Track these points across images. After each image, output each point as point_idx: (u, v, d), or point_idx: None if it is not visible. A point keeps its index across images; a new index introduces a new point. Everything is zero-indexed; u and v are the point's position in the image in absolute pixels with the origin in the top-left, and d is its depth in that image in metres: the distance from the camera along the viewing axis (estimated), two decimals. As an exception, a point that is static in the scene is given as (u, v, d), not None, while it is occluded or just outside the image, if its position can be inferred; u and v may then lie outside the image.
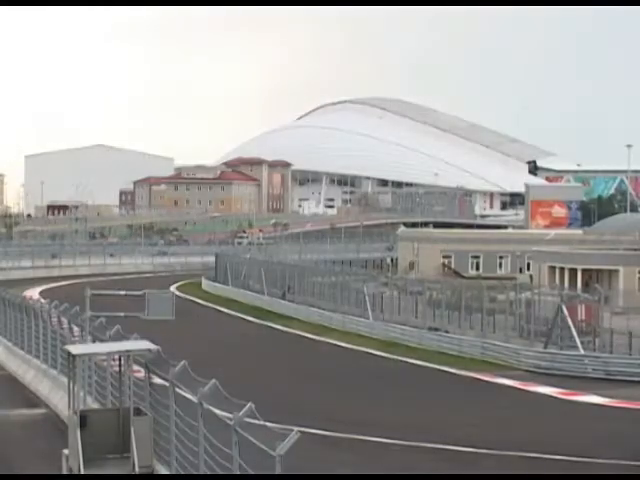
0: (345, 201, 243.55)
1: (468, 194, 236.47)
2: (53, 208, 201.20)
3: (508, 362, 40.62)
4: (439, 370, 39.73)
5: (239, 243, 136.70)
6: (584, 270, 68.07)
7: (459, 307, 48.74)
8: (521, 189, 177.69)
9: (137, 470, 17.15)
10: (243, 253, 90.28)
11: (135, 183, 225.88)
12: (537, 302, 45.15)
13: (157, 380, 17.57)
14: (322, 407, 31.36)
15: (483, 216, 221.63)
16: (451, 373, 38.95)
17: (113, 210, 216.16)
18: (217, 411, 14.10)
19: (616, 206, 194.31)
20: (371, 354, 44.53)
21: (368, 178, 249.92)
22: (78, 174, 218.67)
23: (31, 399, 30.06)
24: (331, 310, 57.43)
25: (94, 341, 23.01)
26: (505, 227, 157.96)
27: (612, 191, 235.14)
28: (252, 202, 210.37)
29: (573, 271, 68.55)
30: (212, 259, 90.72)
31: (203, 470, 14.76)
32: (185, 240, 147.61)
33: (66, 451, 18.13)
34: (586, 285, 62.72)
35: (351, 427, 27.29)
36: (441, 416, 30.17)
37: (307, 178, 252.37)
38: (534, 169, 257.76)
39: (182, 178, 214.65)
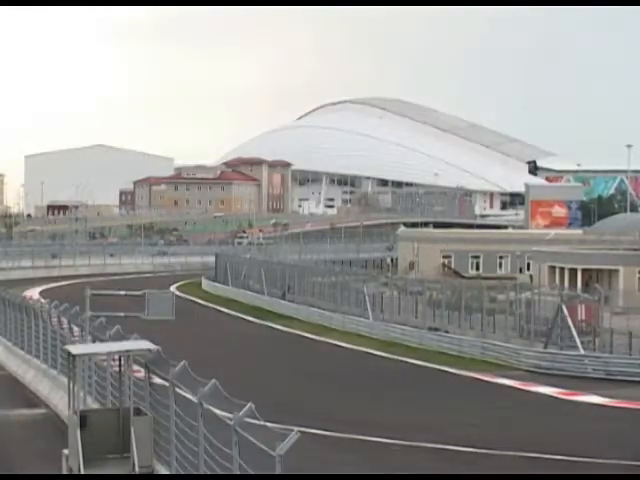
0: (345, 201, 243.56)
1: (468, 194, 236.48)
2: (53, 208, 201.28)
3: (508, 362, 40.61)
4: (439, 370, 39.73)
5: (239, 243, 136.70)
6: (584, 270, 68.08)
7: (459, 307, 48.74)
8: (521, 189, 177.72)
9: (137, 470, 17.15)
10: (243, 253, 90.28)
11: (135, 183, 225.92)
12: (537, 302, 45.14)
13: (157, 380, 17.56)
14: (322, 407, 31.35)
15: (483, 216, 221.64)
16: (451, 373, 38.95)
17: (113, 210, 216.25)
18: (217, 411, 14.09)
19: (616, 206, 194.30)
20: (371, 354, 44.52)
21: (368, 178, 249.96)
22: (78, 174, 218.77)
23: (31, 399, 30.05)
24: (331, 310, 57.43)
25: (94, 341, 23.00)
26: (505, 227, 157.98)
27: (612, 191, 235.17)
28: (252, 202, 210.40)
29: (573, 271, 68.56)
30: (212, 259, 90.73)
31: (203, 470, 14.75)
32: (185, 240, 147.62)
33: (66, 451, 18.12)
34: (586, 285, 62.72)
35: (351, 427, 27.28)
36: (441, 416, 30.16)
37: (307, 178, 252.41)
38: (534, 169, 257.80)
39: (182, 178, 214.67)
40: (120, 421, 17.74)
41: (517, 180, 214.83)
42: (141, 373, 18.29)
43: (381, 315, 53.52)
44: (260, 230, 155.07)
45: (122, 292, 27.08)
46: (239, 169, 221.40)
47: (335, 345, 47.81)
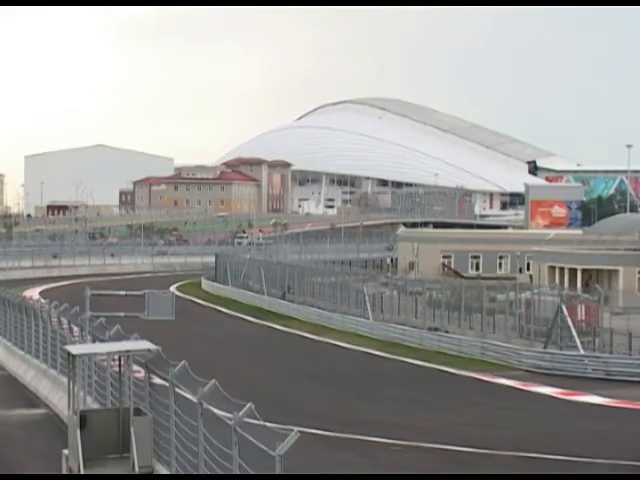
0: (345, 201, 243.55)
1: (468, 194, 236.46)
2: (53, 208, 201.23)
3: (508, 362, 40.60)
4: (439, 370, 39.72)
5: (239, 243, 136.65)
6: (584, 270, 68.09)
7: (459, 307, 48.74)
8: (521, 189, 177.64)
9: (137, 470, 17.14)
10: (243, 253, 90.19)
11: (135, 183, 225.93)
12: (537, 302, 45.13)
13: (157, 380, 17.56)
14: (322, 407, 31.35)
15: (483, 216, 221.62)
16: (451, 373, 38.94)
17: (113, 210, 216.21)
18: (217, 411, 14.08)
19: (616, 206, 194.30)
20: (371, 354, 44.51)
21: (368, 178, 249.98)
22: (78, 174, 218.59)
23: (31, 399, 30.05)
24: (331, 310, 57.44)
25: (94, 341, 22.99)
26: (505, 227, 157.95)
27: (612, 191, 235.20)
28: (252, 202, 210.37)
29: (573, 271, 68.57)
30: (212, 259, 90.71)
31: (203, 470, 14.75)
32: (185, 240, 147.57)
33: (66, 451, 18.12)
34: (586, 285, 62.73)
35: (351, 427, 27.28)
36: (441, 416, 30.15)
37: (307, 178, 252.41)
38: (534, 169, 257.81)
39: (182, 178, 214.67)
40: (120, 421, 17.73)
41: (517, 180, 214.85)
42: (141, 373, 18.29)
43: (381, 315, 53.52)
44: (260, 230, 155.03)
45: (122, 292, 27.08)
46: (239, 169, 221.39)
47: (335, 345, 47.80)
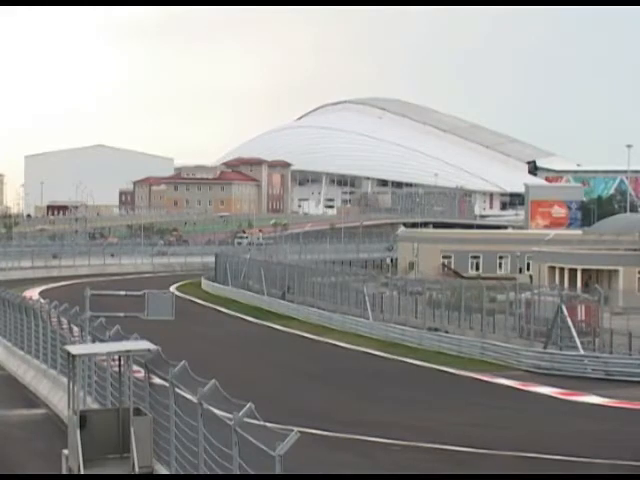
0: (345, 201, 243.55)
1: (468, 194, 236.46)
2: (53, 208, 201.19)
3: (508, 362, 40.60)
4: (439, 370, 39.73)
5: (239, 243, 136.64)
6: (584, 270, 68.10)
7: (459, 307, 48.75)
8: (521, 189, 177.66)
9: (137, 470, 17.15)
10: (243, 253, 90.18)
11: (135, 183, 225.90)
12: (537, 302, 45.14)
13: (157, 380, 17.57)
14: (322, 407, 31.36)
15: (483, 216, 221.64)
16: (451, 373, 38.95)
17: (113, 210, 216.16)
18: (217, 411, 14.09)
19: (616, 206, 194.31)
20: (371, 354, 44.52)
21: (368, 178, 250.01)
22: (78, 174, 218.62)
23: (31, 399, 30.05)
24: (331, 310, 57.44)
25: (94, 341, 23.00)
26: (505, 227, 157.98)
27: (612, 191, 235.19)
28: (252, 202, 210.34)
29: (573, 271, 68.58)
30: (212, 259, 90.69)
31: (203, 470, 14.76)
32: (185, 240, 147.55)
33: (66, 451, 18.12)
34: (586, 285, 62.74)
35: (351, 427, 27.29)
36: (440, 416, 30.16)
37: (307, 178, 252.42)
38: (534, 169, 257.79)
39: (182, 178, 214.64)
40: (120, 421, 17.74)
41: (517, 180, 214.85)
42: (141, 373, 18.29)
43: (381, 315, 53.52)
44: (260, 230, 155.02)
45: (122, 292, 27.08)
46: (239, 169, 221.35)
47: (335, 345, 47.81)
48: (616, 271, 67.35)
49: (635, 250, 73.31)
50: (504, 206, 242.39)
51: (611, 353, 40.23)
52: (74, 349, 19.00)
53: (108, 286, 63.24)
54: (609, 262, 68.75)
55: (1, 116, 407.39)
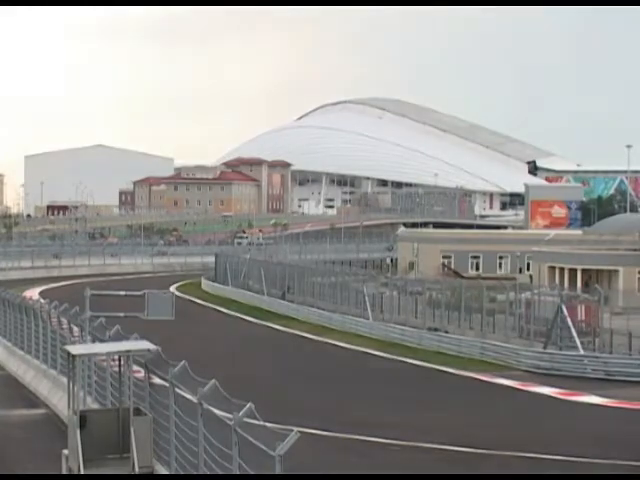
0: (345, 201, 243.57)
1: (468, 194, 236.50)
2: (53, 208, 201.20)
3: (507, 362, 40.59)
4: (438, 370, 39.72)
5: (239, 243, 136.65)
6: (584, 270, 68.10)
7: (459, 307, 48.73)
8: (521, 189, 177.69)
9: (137, 470, 17.14)
10: (243, 253, 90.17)
11: (135, 183, 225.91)
12: (537, 302, 45.13)
13: (157, 380, 17.57)
14: (322, 407, 31.36)
15: (483, 216, 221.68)
16: (450, 373, 38.94)
17: (113, 210, 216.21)
18: (217, 411, 14.09)
19: (616, 206, 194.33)
20: (371, 354, 44.51)
21: (368, 178, 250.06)
22: (78, 174, 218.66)
23: (31, 399, 30.05)
24: (331, 310, 57.43)
25: (94, 341, 23.00)
26: (505, 227, 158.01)
27: (612, 191, 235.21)
28: (252, 202, 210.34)
29: (573, 271, 68.57)
30: (212, 259, 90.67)
31: (203, 470, 14.76)
32: (185, 240, 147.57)
33: (66, 451, 18.12)
34: (586, 285, 62.73)
35: (351, 427, 27.29)
36: (441, 416, 30.16)
37: (307, 178, 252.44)
38: (534, 169, 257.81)
39: (182, 178, 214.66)
40: (120, 421, 17.74)
41: (517, 180, 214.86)
42: (141, 373, 18.29)
43: (381, 315, 53.52)
44: (260, 230, 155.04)
45: (122, 292, 27.07)
46: (239, 169, 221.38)
47: (335, 345, 47.80)
48: (616, 271, 67.35)
49: (635, 250, 73.30)
50: (504, 206, 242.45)
51: (611, 353, 40.22)
52: (74, 349, 19.01)
53: (108, 286, 63.21)
54: (609, 262, 68.75)
55: (1, 116, 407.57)
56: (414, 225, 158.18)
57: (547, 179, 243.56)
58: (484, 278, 70.50)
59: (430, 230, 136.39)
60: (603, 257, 70.40)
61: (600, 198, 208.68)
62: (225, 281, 78.80)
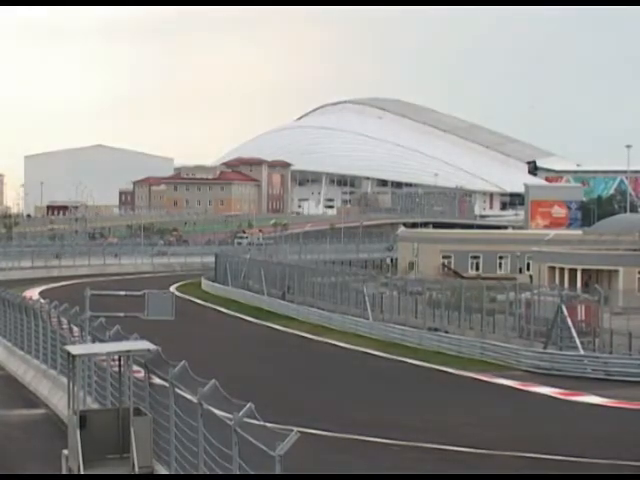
0: (345, 201, 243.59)
1: (468, 194, 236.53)
2: (53, 208, 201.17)
3: (507, 362, 40.59)
4: (438, 370, 39.72)
5: (239, 243, 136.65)
6: (584, 270, 68.11)
7: (459, 307, 48.73)
8: (521, 189, 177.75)
9: (137, 470, 17.14)
10: (243, 253, 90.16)
11: (135, 183, 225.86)
12: (537, 302, 45.13)
13: (157, 380, 17.56)
14: (322, 407, 31.36)
15: (483, 216, 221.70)
16: (450, 373, 38.94)
17: (113, 210, 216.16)
18: (217, 411, 14.09)
19: (616, 206, 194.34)
20: (371, 354, 44.51)
21: (368, 178, 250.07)
22: (78, 174, 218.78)
23: (31, 399, 30.05)
24: (331, 310, 57.42)
25: (94, 341, 23.00)
26: (505, 227, 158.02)
27: (612, 191, 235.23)
28: (252, 202, 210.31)
29: (573, 271, 68.59)
30: (212, 259, 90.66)
31: (203, 470, 14.76)
32: (185, 240, 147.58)
33: (66, 451, 18.11)
34: (586, 285, 62.74)
35: (351, 427, 27.29)
36: (441, 416, 30.17)
37: (307, 178, 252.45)
38: (534, 169, 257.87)
39: (182, 178, 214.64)
40: (120, 421, 17.73)
41: (517, 180, 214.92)
42: (141, 373, 18.29)
43: (381, 315, 53.51)
44: (260, 230, 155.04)
45: (122, 292, 27.06)
46: (239, 169, 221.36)
47: (335, 345, 47.80)
48: (616, 271, 67.36)
49: (635, 250, 73.32)
50: (504, 206, 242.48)
51: (611, 353, 40.23)
52: (74, 349, 19.00)
53: (108, 286, 63.23)
54: (609, 262, 68.76)
55: (1, 116, 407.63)
56: (414, 225, 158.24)
57: (547, 179, 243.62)
58: (484, 278, 70.50)
59: (430, 230, 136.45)
60: (603, 257, 70.41)
61: (600, 198, 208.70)
62: (225, 281, 78.79)
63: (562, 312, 40.86)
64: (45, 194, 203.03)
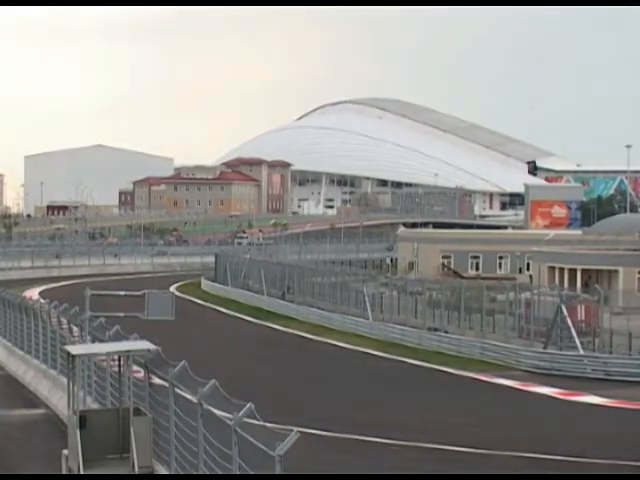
0: (345, 201, 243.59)
1: (468, 194, 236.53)
2: (53, 208, 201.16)
3: (507, 362, 40.59)
4: (438, 370, 39.73)
5: (239, 243, 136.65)
6: (584, 270, 68.10)
7: (459, 307, 48.73)
8: (521, 189, 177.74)
9: (137, 470, 17.14)
10: (243, 253, 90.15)
11: (135, 183, 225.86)
12: (537, 302, 45.14)
13: (157, 380, 17.56)
14: (322, 407, 31.36)
15: (483, 216, 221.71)
16: (450, 373, 38.95)
17: (113, 210, 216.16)
18: (217, 411, 14.09)
19: (616, 206, 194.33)
20: (370, 354, 44.51)
21: (368, 178, 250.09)
22: (78, 174, 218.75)
23: (31, 399, 30.05)
24: (330, 310, 57.42)
25: (94, 341, 22.99)
26: (505, 227, 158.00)
27: (612, 191, 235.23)
28: (252, 202, 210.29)
29: (573, 271, 68.59)
30: (212, 259, 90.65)
31: (202, 470, 14.75)
32: (185, 240, 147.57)
33: (66, 451, 18.10)
34: (586, 285, 62.74)
35: (351, 427, 27.29)
36: (441, 416, 30.17)
37: (307, 178, 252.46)
38: (534, 169, 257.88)
39: (182, 178, 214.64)
40: (120, 421, 17.73)
41: (517, 180, 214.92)
42: (141, 373, 18.29)
43: (381, 315, 53.51)
44: (260, 230, 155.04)
45: (122, 292, 27.06)
46: (239, 169, 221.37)
47: (334, 345, 47.80)
48: (616, 271, 67.35)
49: (635, 250, 73.31)
50: (504, 206, 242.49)
51: (611, 353, 40.23)
52: (74, 349, 19.00)
53: (108, 286, 63.22)
54: (609, 262, 68.76)
55: (1, 116, 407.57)
56: (414, 225, 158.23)
57: (547, 179, 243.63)
58: (484, 278, 70.49)
59: (430, 230, 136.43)
60: (603, 257, 70.41)
61: (600, 198, 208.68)
62: (225, 281, 78.79)
63: (562, 312, 40.86)
64: (45, 194, 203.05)
